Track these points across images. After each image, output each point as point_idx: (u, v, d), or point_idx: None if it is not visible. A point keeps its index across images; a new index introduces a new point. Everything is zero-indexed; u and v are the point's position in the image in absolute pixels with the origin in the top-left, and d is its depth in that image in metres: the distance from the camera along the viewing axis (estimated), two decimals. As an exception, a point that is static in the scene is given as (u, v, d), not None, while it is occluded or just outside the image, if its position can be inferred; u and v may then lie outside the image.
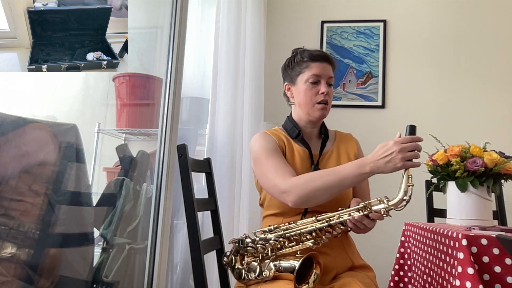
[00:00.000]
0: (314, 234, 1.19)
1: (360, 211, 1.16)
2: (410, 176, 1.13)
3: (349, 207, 1.21)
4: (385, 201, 1.15)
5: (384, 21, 2.79)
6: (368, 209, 1.15)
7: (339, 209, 1.20)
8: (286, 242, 1.21)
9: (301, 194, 1.20)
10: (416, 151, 1.14)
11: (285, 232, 1.21)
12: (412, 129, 1.17)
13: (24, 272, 1.02)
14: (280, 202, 1.31)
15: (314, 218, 1.20)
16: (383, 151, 1.15)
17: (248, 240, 1.24)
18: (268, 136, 1.38)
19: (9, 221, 1.02)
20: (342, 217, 1.18)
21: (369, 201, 1.17)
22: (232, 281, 1.47)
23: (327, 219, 1.19)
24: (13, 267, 1.00)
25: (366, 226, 1.17)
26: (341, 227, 1.19)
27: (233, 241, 1.27)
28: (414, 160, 1.14)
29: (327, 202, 1.31)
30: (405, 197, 1.12)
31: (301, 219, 1.29)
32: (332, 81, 1.39)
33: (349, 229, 1.20)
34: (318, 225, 1.19)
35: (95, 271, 1.31)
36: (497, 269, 1.10)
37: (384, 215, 1.15)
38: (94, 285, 1.29)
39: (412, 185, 1.12)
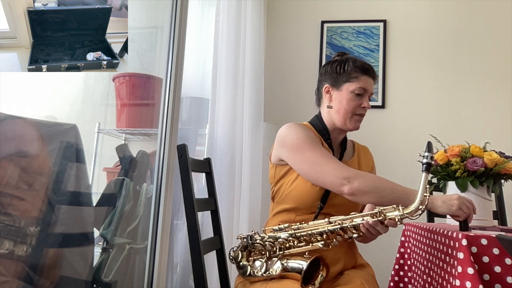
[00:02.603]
0: (325, 236, 1.18)
1: (374, 217, 1.15)
2: (427, 187, 1.13)
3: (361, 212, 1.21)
4: (401, 209, 1.14)
5: (384, 21, 2.79)
6: (383, 215, 1.14)
7: (352, 213, 1.20)
8: (296, 242, 1.21)
9: (368, 184, 1.21)
10: (469, 211, 1.21)
11: (295, 231, 1.20)
12: (428, 145, 1.20)
13: (24, 272, 1.02)
14: (297, 197, 1.31)
15: (326, 219, 1.19)
16: (449, 198, 1.21)
17: (257, 237, 1.24)
18: (305, 128, 1.37)
19: (9, 221, 1.02)
20: (355, 221, 1.17)
21: (384, 208, 1.16)
22: (232, 281, 1.47)
23: (340, 222, 1.18)
24: (13, 267, 1.00)
25: (378, 231, 1.16)
26: (353, 231, 1.18)
27: (241, 236, 1.26)
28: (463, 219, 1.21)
29: (342, 207, 1.31)
30: (421, 207, 1.12)
31: (314, 219, 1.28)
32: (371, 97, 1.42)
33: (361, 233, 1.18)
34: (330, 227, 1.18)
35: (95, 271, 1.31)
36: (497, 269, 1.10)
37: (398, 223, 1.14)
38: (94, 285, 1.29)
39: (429, 196, 1.13)
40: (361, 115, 1.38)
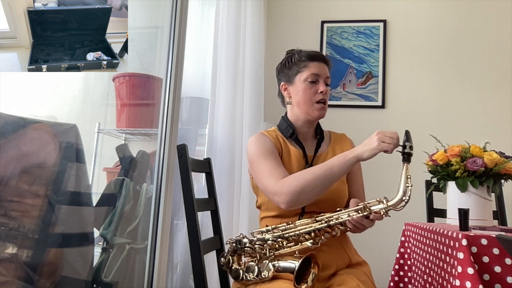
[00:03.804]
0: (313, 234, 1.19)
1: (360, 212, 1.16)
2: (409, 177, 1.13)
3: (347, 208, 1.21)
4: (384, 201, 1.15)
5: (384, 21, 2.79)
6: (368, 209, 1.16)
7: (338, 209, 1.20)
8: (285, 242, 1.21)
9: (291, 192, 1.19)
10: (394, 141, 1.17)
11: (283, 232, 1.21)
12: (407, 134, 1.19)
13: (24, 272, 1.02)
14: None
15: (312, 218, 1.20)
16: (369, 139, 1.21)
17: (246, 240, 1.24)
18: (264, 137, 1.38)
19: (9, 221, 1.02)
20: (341, 218, 1.18)
21: (368, 202, 1.17)
22: (232, 281, 1.47)
23: (326, 220, 1.19)
24: (13, 267, 1.00)
25: (365, 226, 1.18)
26: (340, 227, 1.19)
27: (230, 241, 1.27)
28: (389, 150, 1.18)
29: (324, 203, 1.31)
30: (404, 198, 1.13)
31: (299, 219, 1.29)
32: (329, 81, 1.40)
33: (348, 229, 1.20)
34: (317, 225, 1.19)
35: (95, 271, 1.31)
36: (497, 269, 1.10)
37: (383, 216, 1.15)
38: (94, 285, 1.29)
39: (411, 186, 1.13)
40: (322, 101, 1.36)
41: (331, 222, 1.18)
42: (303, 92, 1.36)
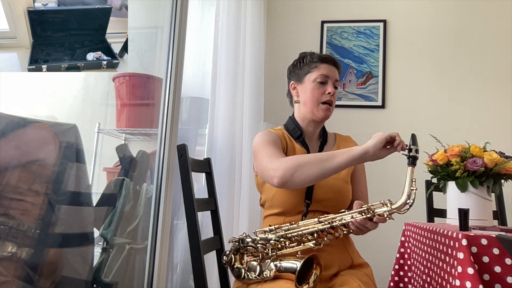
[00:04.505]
0: (315, 235, 1.19)
1: (363, 214, 1.16)
2: (414, 180, 1.13)
3: (351, 209, 1.21)
4: (388, 204, 1.15)
5: (384, 21, 2.79)
6: (371, 212, 1.15)
7: (341, 211, 1.20)
8: (287, 243, 1.21)
9: (288, 167, 1.19)
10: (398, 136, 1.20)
11: (286, 232, 1.21)
12: (413, 137, 1.20)
13: (24, 272, 1.02)
14: (281, 201, 1.31)
15: (316, 219, 1.20)
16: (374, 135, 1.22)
17: (249, 239, 1.24)
18: (271, 132, 1.40)
19: (9, 221, 1.02)
20: (345, 219, 1.17)
21: (372, 204, 1.17)
22: (232, 281, 1.47)
23: (330, 221, 1.19)
24: (13, 267, 1.00)
25: (368, 228, 1.17)
26: (343, 229, 1.19)
27: (233, 240, 1.27)
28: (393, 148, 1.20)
29: (328, 202, 1.31)
30: (408, 201, 1.12)
31: (302, 219, 1.29)
32: (337, 85, 1.42)
33: (351, 231, 1.20)
34: (320, 226, 1.18)
35: (95, 271, 1.31)
36: (497, 269, 1.10)
37: (387, 218, 1.15)
38: (94, 285, 1.29)
39: (416, 189, 1.12)
40: (329, 102, 1.38)
41: (334, 224, 1.18)
42: (311, 91, 1.38)
